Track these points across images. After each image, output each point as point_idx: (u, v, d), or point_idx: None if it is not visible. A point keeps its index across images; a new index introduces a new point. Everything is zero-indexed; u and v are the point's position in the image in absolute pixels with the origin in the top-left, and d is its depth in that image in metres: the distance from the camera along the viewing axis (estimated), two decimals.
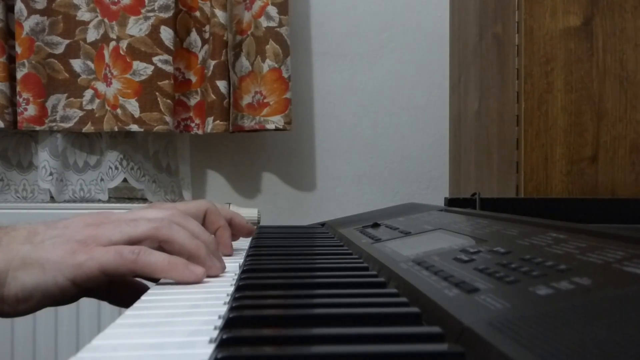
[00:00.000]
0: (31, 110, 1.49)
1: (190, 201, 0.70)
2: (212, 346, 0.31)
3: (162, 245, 0.52)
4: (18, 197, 1.60)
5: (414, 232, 0.65)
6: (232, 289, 0.47)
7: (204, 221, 0.66)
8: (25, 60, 1.48)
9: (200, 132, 1.54)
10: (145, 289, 0.54)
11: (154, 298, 0.45)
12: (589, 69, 1.08)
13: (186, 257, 0.52)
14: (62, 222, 0.52)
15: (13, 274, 0.48)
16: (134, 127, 1.47)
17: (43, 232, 0.51)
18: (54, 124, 1.52)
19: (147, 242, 0.51)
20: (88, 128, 1.52)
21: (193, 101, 1.55)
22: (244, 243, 0.75)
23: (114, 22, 1.48)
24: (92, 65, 1.53)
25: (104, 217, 0.53)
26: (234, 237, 0.72)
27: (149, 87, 1.47)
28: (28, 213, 1.47)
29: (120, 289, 0.56)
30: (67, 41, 1.52)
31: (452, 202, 0.94)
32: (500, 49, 1.19)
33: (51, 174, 1.54)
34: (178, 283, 0.50)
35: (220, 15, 1.48)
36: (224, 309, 0.39)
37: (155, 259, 0.50)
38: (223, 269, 0.55)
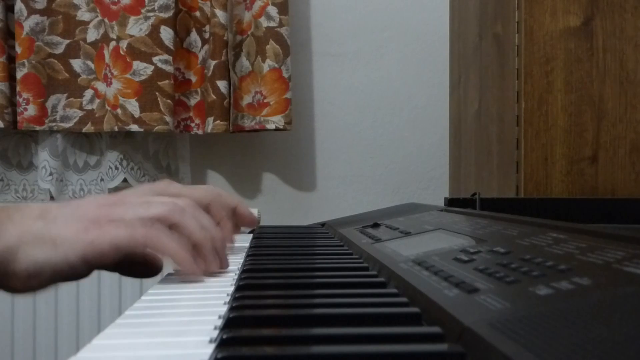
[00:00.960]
0: (31, 110, 1.49)
1: (198, 187, 0.69)
2: (212, 346, 0.31)
3: (171, 229, 0.52)
4: (18, 197, 1.60)
5: (414, 232, 0.65)
6: (232, 289, 0.47)
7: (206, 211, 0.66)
8: (25, 60, 1.48)
9: (200, 132, 1.54)
10: (157, 261, 0.54)
11: (154, 298, 0.46)
12: (589, 69, 1.08)
13: (191, 245, 0.52)
14: (75, 202, 0.52)
15: (24, 248, 0.48)
16: (134, 127, 1.47)
17: (56, 210, 0.51)
18: (54, 124, 1.52)
19: (157, 224, 0.51)
20: (88, 128, 1.52)
21: (193, 101, 1.55)
22: (244, 243, 0.75)
23: (114, 22, 1.48)
24: (92, 65, 1.53)
25: (117, 199, 0.53)
26: (236, 228, 0.71)
27: (149, 87, 1.47)
28: None
29: (132, 260, 0.56)
30: (67, 41, 1.52)
31: (452, 202, 0.94)
32: (500, 49, 1.19)
33: (51, 174, 1.54)
34: (179, 274, 0.51)
35: (221, 15, 1.48)
36: (224, 309, 0.39)
37: (168, 240, 0.50)
38: (226, 266, 0.55)
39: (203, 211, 0.57)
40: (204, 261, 0.53)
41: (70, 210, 0.51)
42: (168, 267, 0.55)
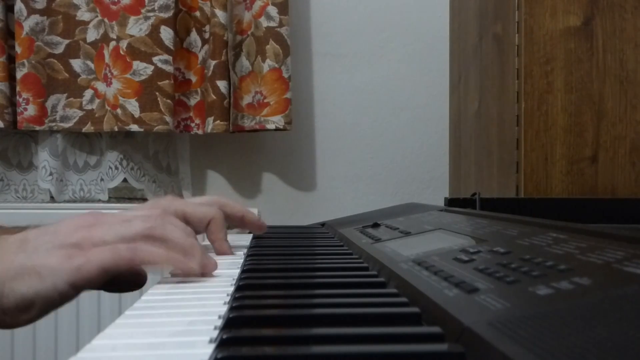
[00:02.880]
0: (31, 110, 1.49)
1: (202, 199, 0.70)
2: (212, 346, 0.31)
3: (156, 244, 0.52)
4: (18, 197, 1.60)
5: (414, 232, 0.65)
6: (232, 289, 0.47)
7: (205, 229, 0.66)
8: (25, 60, 1.48)
9: (200, 132, 1.54)
10: (141, 273, 0.54)
11: (153, 298, 0.46)
12: (589, 69, 1.08)
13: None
14: (52, 227, 0.51)
15: (10, 284, 0.47)
16: (134, 127, 1.47)
17: (34, 239, 0.50)
18: (53, 124, 1.52)
19: (140, 240, 0.51)
20: (88, 128, 1.52)
21: (193, 101, 1.55)
22: (244, 243, 0.75)
23: (114, 22, 1.48)
24: (92, 65, 1.53)
25: (95, 219, 0.52)
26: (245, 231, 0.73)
27: (149, 87, 1.47)
28: (28, 213, 1.47)
29: (117, 277, 0.55)
30: (67, 41, 1.52)
31: (452, 202, 0.94)
32: (500, 49, 1.19)
33: (51, 174, 1.54)
34: (178, 275, 0.51)
35: (221, 15, 1.48)
36: (224, 309, 0.39)
37: (154, 250, 0.50)
38: (216, 266, 0.55)
39: (181, 221, 0.56)
40: (192, 257, 0.53)
41: (49, 237, 0.50)
42: (167, 269, 0.55)
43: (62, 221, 0.52)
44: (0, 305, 0.47)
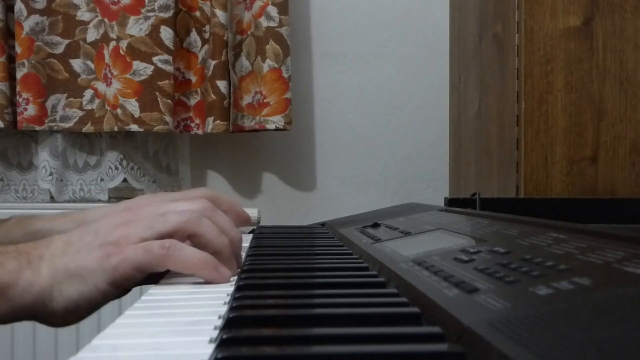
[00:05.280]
0: (31, 110, 1.49)
1: (193, 192, 0.71)
2: (212, 346, 0.31)
3: (189, 239, 0.52)
4: (18, 197, 1.60)
5: (414, 232, 0.65)
6: (232, 289, 0.47)
7: None
8: (25, 60, 1.48)
9: (200, 132, 1.54)
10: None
11: (154, 298, 0.46)
12: (589, 69, 1.08)
13: (211, 252, 0.52)
14: (93, 226, 0.53)
15: (58, 287, 0.49)
16: (134, 127, 1.47)
17: (78, 240, 0.51)
18: (53, 124, 1.52)
19: (176, 235, 0.52)
20: (88, 128, 1.52)
21: (193, 101, 1.55)
22: (244, 243, 0.75)
23: (114, 22, 1.48)
24: (92, 65, 1.53)
25: (132, 214, 0.53)
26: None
27: (149, 87, 1.47)
28: (28, 213, 1.47)
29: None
30: (67, 41, 1.52)
31: (452, 202, 0.94)
32: (500, 49, 1.19)
33: (51, 174, 1.54)
34: (207, 282, 0.51)
35: (221, 15, 1.48)
36: (224, 309, 0.39)
37: (186, 255, 0.50)
38: (240, 267, 0.56)
39: (221, 212, 0.56)
40: (225, 267, 0.53)
41: (90, 237, 0.51)
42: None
43: (103, 219, 0.54)
44: (51, 307, 0.49)
